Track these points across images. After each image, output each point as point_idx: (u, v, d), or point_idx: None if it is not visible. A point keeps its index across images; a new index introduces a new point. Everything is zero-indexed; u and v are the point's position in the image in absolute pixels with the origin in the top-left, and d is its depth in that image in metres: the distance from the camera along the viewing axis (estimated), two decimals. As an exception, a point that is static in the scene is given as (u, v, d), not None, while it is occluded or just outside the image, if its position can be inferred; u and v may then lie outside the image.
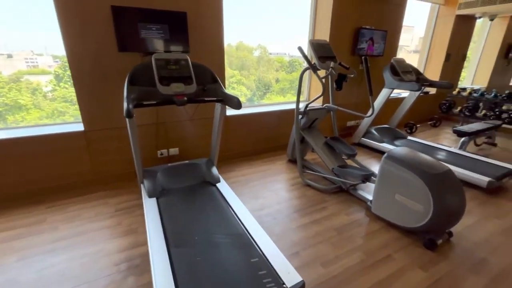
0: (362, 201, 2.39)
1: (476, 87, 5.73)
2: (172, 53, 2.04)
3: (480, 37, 6.21)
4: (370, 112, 2.52)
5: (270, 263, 1.45)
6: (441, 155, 3.20)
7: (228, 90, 4.58)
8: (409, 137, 3.84)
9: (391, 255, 1.76)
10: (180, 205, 2.02)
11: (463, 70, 6.58)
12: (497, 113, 4.41)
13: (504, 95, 4.51)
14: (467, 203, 2.40)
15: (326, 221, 2.13)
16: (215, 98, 2.05)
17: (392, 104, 4.43)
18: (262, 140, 3.48)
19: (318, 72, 2.48)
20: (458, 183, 1.78)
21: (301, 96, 2.71)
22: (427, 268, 1.65)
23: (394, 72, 3.38)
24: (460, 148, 3.53)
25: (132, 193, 2.45)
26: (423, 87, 3.69)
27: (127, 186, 2.58)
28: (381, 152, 3.54)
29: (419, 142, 3.68)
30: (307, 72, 3.29)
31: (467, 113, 4.70)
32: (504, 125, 4.30)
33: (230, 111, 3.25)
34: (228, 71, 4.25)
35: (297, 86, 2.63)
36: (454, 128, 3.51)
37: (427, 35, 5.22)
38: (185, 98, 1.90)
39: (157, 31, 2.37)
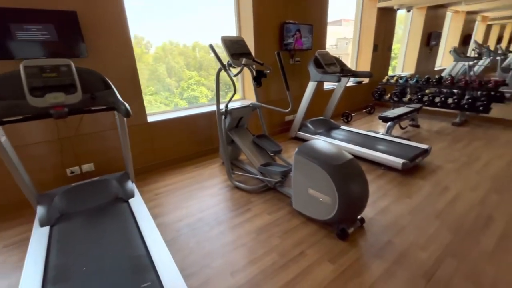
0: (288, 197, 2.37)
1: (403, 74, 6.21)
2: (50, 59, 1.76)
3: (405, 28, 6.74)
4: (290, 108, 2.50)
5: (162, 286, 1.31)
6: (367, 141, 3.34)
7: (188, 92, 4.34)
8: (342, 127, 3.98)
9: (304, 251, 1.74)
10: (78, 231, 1.78)
11: (397, 58, 7.11)
12: (420, 96, 4.80)
13: (423, 80, 4.92)
14: (384, 186, 2.54)
15: (248, 223, 2.05)
16: (104, 107, 1.83)
17: (329, 95, 4.56)
18: (194, 144, 3.32)
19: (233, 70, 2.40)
20: (360, 171, 1.82)
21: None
22: (336, 260, 1.65)
23: (318, 64, 3.44)
24: (387, 132, 3.75)
25: (30, 223, 2.12)
26: (348, 78, 3.84)
27: (26, 214, 2.23)
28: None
29: (351, 130, 3.83)
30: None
31: (395, 99, 5.04)
32: (425, 107, 4.70)
33: (152, 117, 3.03)
34: (186, 73, 4.03)
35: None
36: (379, 115, 3.71)
37: (356, 28, 5.48)
38: (66, 109, 1.66)
39: (39, 32, 2.07)
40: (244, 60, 2.33)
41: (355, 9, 5.40)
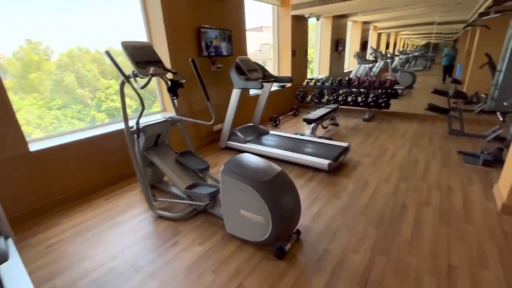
0: (221, 218, 2.13)
1: (320, 76, 6.77)
2: None
3: (317, 34, 7.39)
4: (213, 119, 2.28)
5: None
6: (295, 145, 3.40)
7: (107, 103, 3.61)
8: (271, 132, 3.99)
9: (242, 284, 1.54)
10: None
11: (313, 62, 7.71)
12: (335, 97, 5.26)
13: (337, 81, 5.43)
14: (315, 189, 2.56)
15: (175, 262, 1.73)
16: None
17: (256, 101, 4.53)
18: (105, 169, 2.75)
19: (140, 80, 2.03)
20: (290, 183, 1.74)
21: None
22: (276, 286, 1.51)
23: (240, 71, 3.33)
24: (311, 133, 3.92)
25: None
26: (271, 84, 3.87)
27: None
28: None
29: (279, 135, 3.86)
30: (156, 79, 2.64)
31: (315, 100, 5.41)
32: (341, 107, 5.18)
33: (40, 144, 2.36)
34: (102, 82, 3.36)
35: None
36: (304, 117, 3.86)
37: (275, 34, 5.67)
38: None
39: None
40: (152, 69, 1.99)
41: (271, 17, 5.59)
